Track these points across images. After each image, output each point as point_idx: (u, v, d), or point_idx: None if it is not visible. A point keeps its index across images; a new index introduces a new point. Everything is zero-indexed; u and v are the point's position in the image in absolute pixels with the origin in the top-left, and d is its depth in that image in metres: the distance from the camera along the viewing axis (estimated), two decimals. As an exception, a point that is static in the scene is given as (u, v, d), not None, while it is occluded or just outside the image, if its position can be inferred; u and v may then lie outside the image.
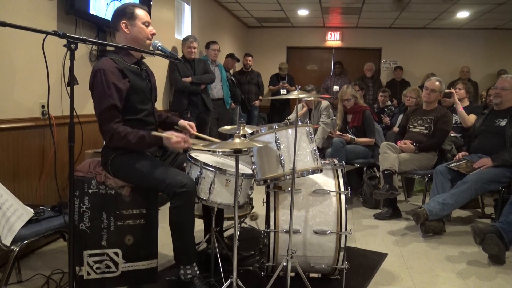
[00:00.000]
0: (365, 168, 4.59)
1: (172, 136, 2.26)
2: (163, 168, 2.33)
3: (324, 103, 5.10)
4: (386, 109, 6.19)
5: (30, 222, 2.22)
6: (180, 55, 5.04)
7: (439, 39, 8.73)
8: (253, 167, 2.35)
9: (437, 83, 4.15)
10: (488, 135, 3.69)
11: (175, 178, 2.25)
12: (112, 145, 2.32)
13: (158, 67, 4.76)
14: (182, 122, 2.67)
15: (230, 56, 6.71)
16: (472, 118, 4.35)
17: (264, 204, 2.51)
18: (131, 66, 2.37)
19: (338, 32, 9.16)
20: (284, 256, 2.28)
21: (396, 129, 5.21)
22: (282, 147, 2.28)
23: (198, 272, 2.35)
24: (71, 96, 1.76)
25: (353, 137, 4.44)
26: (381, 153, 4.04)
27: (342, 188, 2.47)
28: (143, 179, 2.33)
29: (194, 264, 2.35)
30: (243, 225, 3.42)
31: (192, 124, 2.66)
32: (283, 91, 7.76)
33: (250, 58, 7.37)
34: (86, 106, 3.45)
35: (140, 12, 2.40)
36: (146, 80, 2.48)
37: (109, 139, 2.27)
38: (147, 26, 2.41)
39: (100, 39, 3.52)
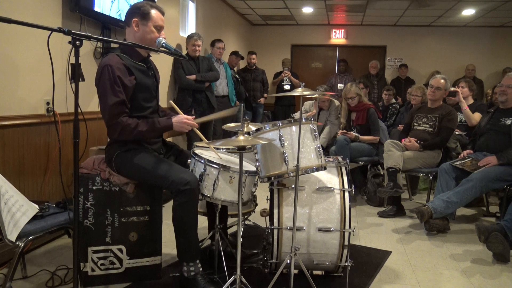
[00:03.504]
0: (369, 166, 4.58)
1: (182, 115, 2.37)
2: (167, 165, 2.33)
3: (336, 103, 5.09)
4: (390, 107, 6.17)
5: (35, 218, 2.24)
6: (184, 52, 5.05)
7: (445, 36, 8.69)
8: (257, 164, 2.35)
9: (442, 81, 4.13)
10: (494, 133, 3.67)
11: (178, 176, 2.25)
12: (121, 139, 2.33)
13: (163, 65, 4.77)
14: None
15: (234, 53, 6.72)
16: (477, 116, 4.33)
17: (268, 201, 2.51)
18: (137, 64, 2.38)
19: (343, 30, 9.14)
20: (288, 253, 2.28)
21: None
22: (286, 144, 2.28)
23: (201, 269, 2.36)
24: (76, 93, 1.76)
25: (357, 135, 4.44)
26: (386, 151, 4.03)
27: (346, 186, 2.47)
28: (147, 176, 2.33)
29: (197, 261, 2.36)
30: (247, 222, 3.42)
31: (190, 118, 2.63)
32: (286, 87, 7.75)
33: (254, 56, 7.36)
34: (91, 103, 3.47)
35: (155, 15, 2.38)
36: (152, 78, 2.49)
37: (118, 133, 2.25)
38: (158, 30, 2.40)
39: (105, 36, 3.53)
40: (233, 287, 2.15)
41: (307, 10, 7.72)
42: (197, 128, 2.46)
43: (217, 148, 2.70)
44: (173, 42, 5.08)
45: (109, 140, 2.45)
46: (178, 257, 2.39)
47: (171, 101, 2.51)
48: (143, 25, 2.36)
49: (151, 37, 2.37)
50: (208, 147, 2.68)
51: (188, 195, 2.23)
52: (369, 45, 9.12)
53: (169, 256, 2.89)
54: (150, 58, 2.54)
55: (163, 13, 2.45)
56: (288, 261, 2.27)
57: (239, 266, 2.13)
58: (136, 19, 2.36)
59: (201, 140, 2.55)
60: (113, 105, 2.21)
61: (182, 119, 2.37)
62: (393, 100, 6.43)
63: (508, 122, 3.58)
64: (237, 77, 6.37)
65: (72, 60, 1.74)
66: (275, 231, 2.39)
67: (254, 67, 7.38)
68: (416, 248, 3.22)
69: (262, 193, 2.78)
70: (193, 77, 4.81)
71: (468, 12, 7.27)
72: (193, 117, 2.44)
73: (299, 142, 2.18)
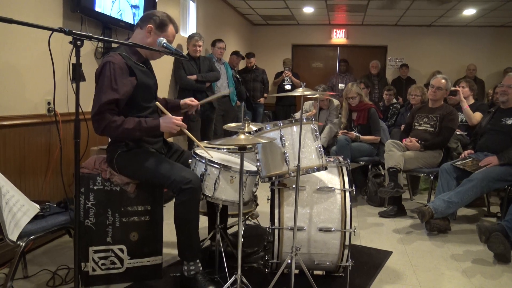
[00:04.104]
0: (370, 166, 4.58)
1: (170, 115, 2.35)
2: (168, 164, 2.34)
3: (335, 102, 5.10)
4: (391, 107, 6.17)
5: (36, 218, 2.24)
6: (185, 52, 5.05)
7: (445, 36, 8.68)
8: (258, 164, 2.35)
9: (443, 81, 4.13)
10: (495, 133, 3.67)
11: (180, 175, 2.25)
12: (105, 135, 2.32)
13: (163, 65, 4.77)
14: (183, 101, 2.74)
15: (235, 53, 6.71)
16: (477, 116, 4.33)
17: (269, 201, 2.51)
18: (138, 65, 2.38)
19: (344, 30, 9.13)
20: (289, 253, 2.29)
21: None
22: (286, 144, 2.28)
23: (201, 268, 2.36)
24: (77, 93, 1.77)
25: (358, 135, 4.44)
26: (386, 151, 4.03)
27: (346, 186, 2.47)
28: (148, 175, 2.34)
29: (198, 261, 2.36)
30: (247, 222, 3.42)
31: (193, 99, 2.75)
32: (287, 87, 7.74)
33: (252, 59, 7.33)
34: (91, 103, 3.46)
35: (170, 31, 2.44)
36: (153, 79, 2.50)
37: (103, 128, 2.21)
38: None
39: (105, 36, 3.53)
40: (233, 287, 2.15)
41: (308, 10, 7.72)
42: (186, 129, 2.44)
43: (218, 148, 2.70)
44: (174, 42, 5.07)
45: (110, 140, 2.45)
46: (179, 256, 2.39)
47: (157, 103, 2.48)
48: (156, 34, 2.39)
49: (157, 47, 2.39)
50: (207, 148, 2.69)
51: (189, 194, 2.23)
52: (370, 45, 9.12)
53: (170, 256, 2.90)
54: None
55: (177, 31, 2.50)
56: (289, 261, 2.27)
57: (239, 266, 2.13)
58: (151, 25, 2.38)
59: (201, 140, 2.55)
60: (105, 102, 2.20)
61: (170, 119, 2.34)
62: (394, 100, 6.43)
63: (509, 122, 3.58)
64: (238, 77, 6.37)
65: (73, 60, 1.75)
66: (276, 231, 2.39)
67: (255, 67, 7.38)
68: (417, 248, 3.22)
69: (263, 193, 2.78)
70: (194, 77, 4.81)
71: (469, 12, 7.26)
72: (181, 118, 2.41)
73: (300, 142, 2.18)
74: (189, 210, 2.27)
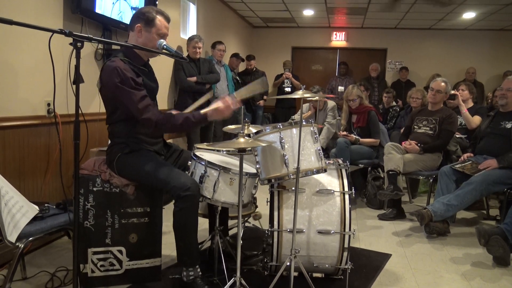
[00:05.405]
0: (369, 168, 4.58)
1: (219, 105, 2.29)
2: (168, 169, 2.33)
3: (331, 103, 5.11)
4: (391, 110, 6.18)
5: (35, 219, 2.24)
6: (185, 54, 5.05)
7: (445, 40, 8.69)
8: (257, 166, 2.35)
9: (442, 84, 4.13)
10: (494, 137, 3.67)
11: (179, 181, 2.25)
12: (157, 132, 2.40)
13: (163, 67, 4.77)
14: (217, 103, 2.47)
15: (235, 55, 6.72)
16: (476, 119, 4.33)
17: (268, 203, 2.51)
18: (140, 68, 2.38)
19: (344, 32, 9.15)
20: (288, 255, 2.28)
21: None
22: (286, 146, 2.28)
23: (200, 273, 2.36)
24: (77, 95, 1.77)
25: (357, 137, 4.44)
26: (386, 153, 4.03)
27: (346, 188, 2.47)
28: (147, 179, 2.34)
29: (197, 266, 2.35)
30: (247, 224, 3.42)
31: (226, 99, 2.37)
32: (287, 89, 7.74)
33: (252, 61, 7.33)
34: (91, 104, 3.47)
35: (160, 22, 2.34)
36: (154, 82, 2.50)
37: (154, 126, 2.26)
38: (161, 38, 2.36)
39: (106, 38, 3.53)
40: (232, 289, 2.15)
41: (308, 12, 7.73)
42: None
43: (218, 150, 2.70)
44: (174, 44, 5.08)
45: (110, 142, 2.45)
46: (178, 261, 2.39)
47: (202, 111, 2.29)
48: (146, 31, 2.33)
49: (153, 44, 2.33)
50: (208, 150, 2.69)
51: (188, 201, 2.23)
52: (369, 48, 9.13)
53: (169, 258, 2.89)
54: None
55: (168, 20, 2.41)
56: (288, 264, 2.27)
57: (239, 268, 2.13)
58: (139, 25, 2.33)
59: (201, 142, 2.55)
60: (139, 100, 2.22)
61: (222, 111, 2.28)
62: (393, 103, 6.44)
63: (508, 125, 3.58)
64: (238, 79, 6.37)
65: (73, 62, 1.75)
66: (275, 233, 2.39)
67: (255, 69, 7.38)
68: (416, 251, 3.22)
69: (262, 195, 2.78)
70: (193, 79, 4.81)
71: (469, 15, 7.28)
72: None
73: (299, 145, 2.18)
74: (187, 217, 2.27)
